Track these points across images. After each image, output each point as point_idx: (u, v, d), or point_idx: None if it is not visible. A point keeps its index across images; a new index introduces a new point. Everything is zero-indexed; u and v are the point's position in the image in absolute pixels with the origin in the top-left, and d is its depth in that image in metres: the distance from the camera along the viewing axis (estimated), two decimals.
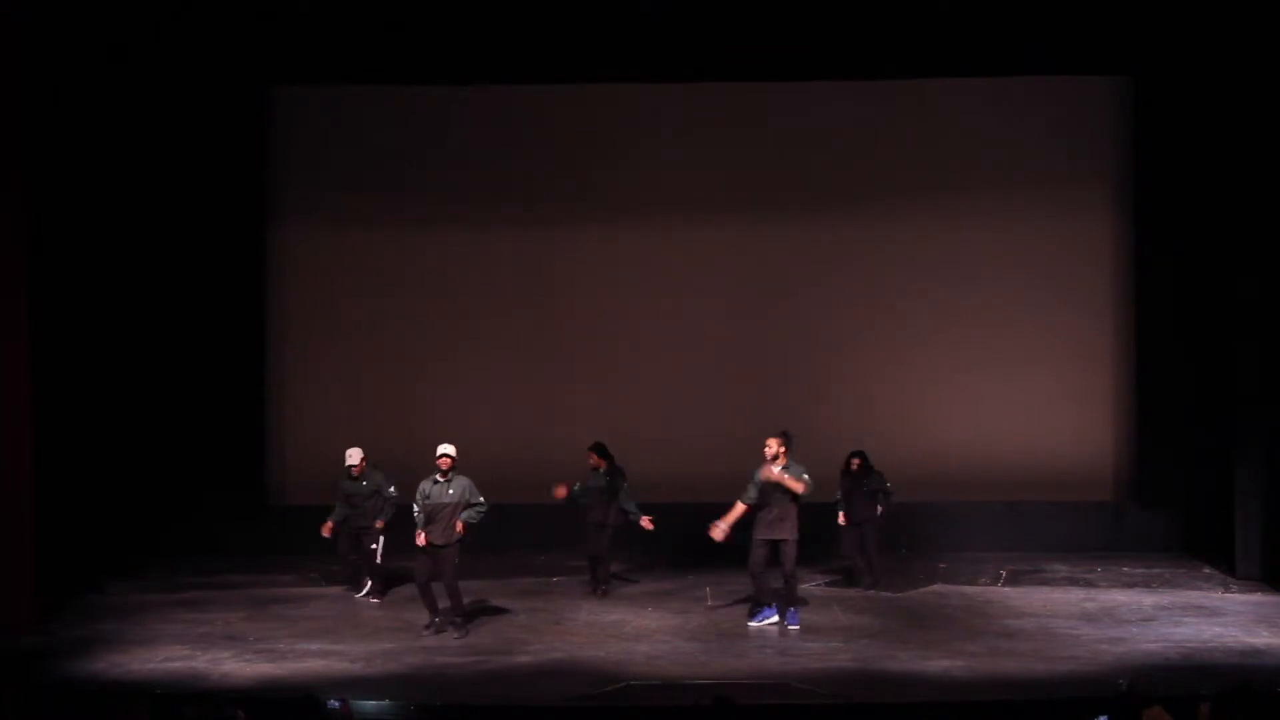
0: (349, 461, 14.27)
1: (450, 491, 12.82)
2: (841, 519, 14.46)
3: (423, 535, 12.82)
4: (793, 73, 16.02)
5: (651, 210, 16.53)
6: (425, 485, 12.86)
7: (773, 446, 12.89)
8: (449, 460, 12.83)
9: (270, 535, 16.11)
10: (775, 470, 12.84)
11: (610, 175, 16.59)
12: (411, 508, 12.97)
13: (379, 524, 14.16)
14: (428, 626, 12.94)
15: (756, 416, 15.74)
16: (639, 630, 13.03)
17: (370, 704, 10.61)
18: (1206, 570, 15.16)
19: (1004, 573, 15.06)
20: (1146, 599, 14.03)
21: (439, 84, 16.38)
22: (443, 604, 12.94)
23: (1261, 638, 12.57)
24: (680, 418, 15.88)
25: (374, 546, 14.18)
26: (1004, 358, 16.42)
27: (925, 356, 16.47)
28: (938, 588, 14.64)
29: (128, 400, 15.44)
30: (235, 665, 11.86)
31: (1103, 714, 8.98)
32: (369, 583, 14.34)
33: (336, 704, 9.53)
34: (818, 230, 16.57)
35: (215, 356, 16.11)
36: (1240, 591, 14.29)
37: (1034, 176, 16.41)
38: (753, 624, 13.10)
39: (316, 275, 16.63)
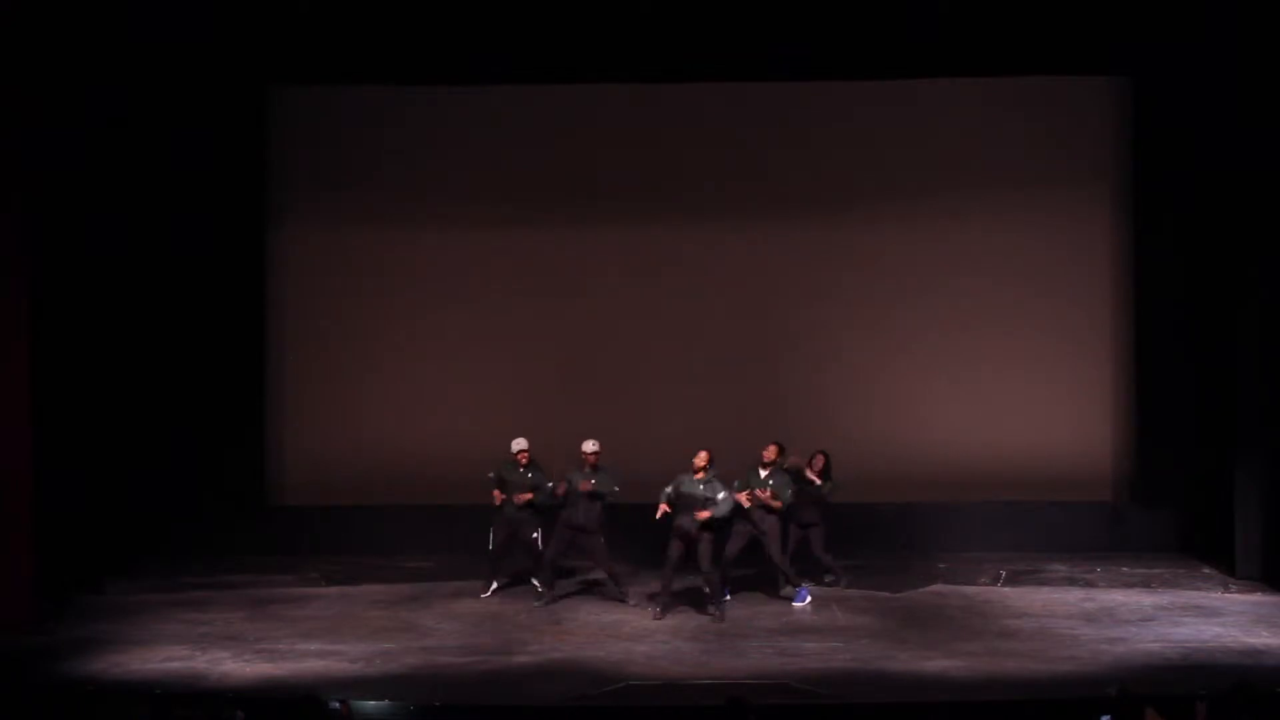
0: (518, 448, 14.17)
1: (592, 482, 13.83)
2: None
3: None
4: (792, 73, 16.00)
5: (650, 210, 16.51)
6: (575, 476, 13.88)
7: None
8: (595, 456, 13.85)
9: (270, 535, 16.12)
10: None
11: (610, 175, 16.57)
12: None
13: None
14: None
15: (755, 417, 15.78)
16: (639, 630, 13.04)
17: (370, 704, 10.61)
18: (1206, 570, 15.15)
19: (1003, 573, 15.04)
20: (1146, 599, 14.03)
21: (439, 84, 16.37)
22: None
23: (1261, 638, 12.57)
24: (679, 417, 15.87)
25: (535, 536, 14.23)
26: (1004, 358, 16.41)
27: (924, 356, 16.45)
28: (937, 588, 14.64)
29: (128, 400, 15.44)
30: (235, 665, 11.86)
31: (1105, 714, 8.98)
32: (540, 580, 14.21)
33: (336, 704, 9.52)
34: (817, 230, 16.55)
35: (215, 356, 16.08)
36: (1240, 591, 14.28)
37: (1034, 176, 16.38)
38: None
39: (316, 275, 16.60)
